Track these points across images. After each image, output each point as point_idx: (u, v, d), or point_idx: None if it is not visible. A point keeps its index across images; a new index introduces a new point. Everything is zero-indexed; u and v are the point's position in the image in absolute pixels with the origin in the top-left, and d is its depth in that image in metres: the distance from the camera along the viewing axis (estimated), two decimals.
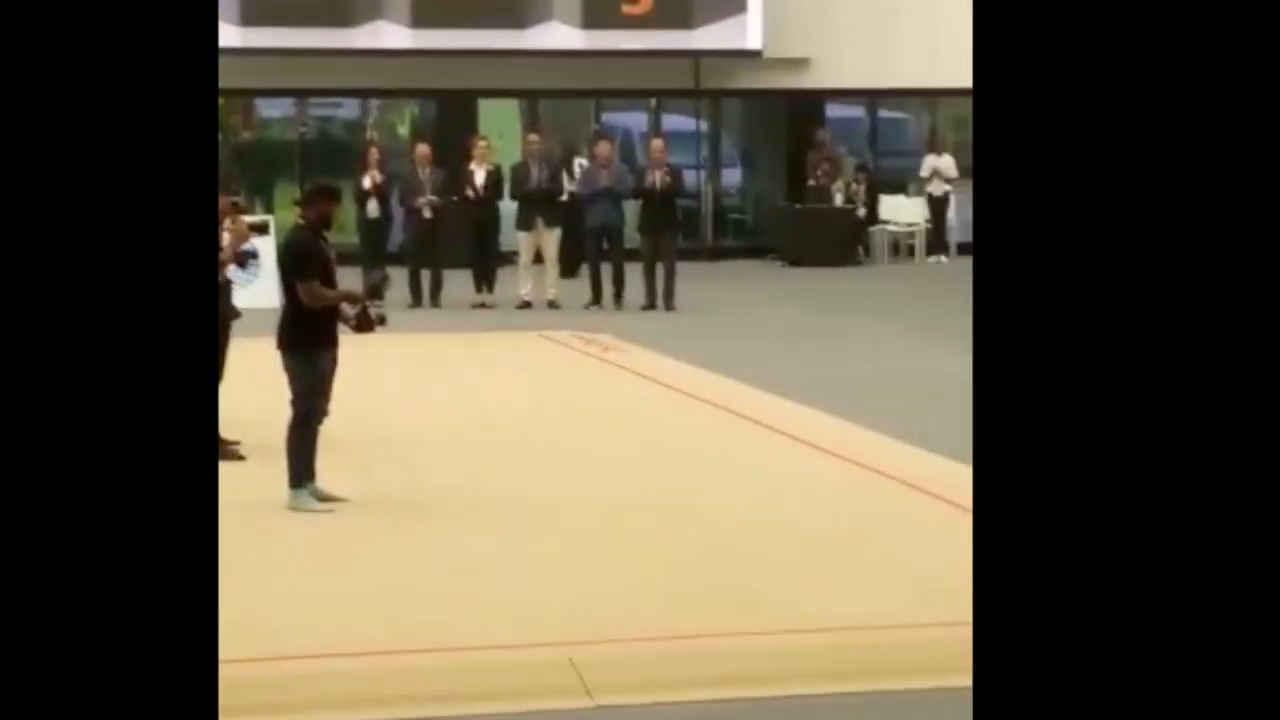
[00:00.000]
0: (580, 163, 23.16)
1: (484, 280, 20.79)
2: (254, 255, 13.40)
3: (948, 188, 26.62)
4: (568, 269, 21.97)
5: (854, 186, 26.53)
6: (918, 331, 18.39)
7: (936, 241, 26.67)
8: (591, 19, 25.41)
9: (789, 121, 27.52)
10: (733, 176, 28.50)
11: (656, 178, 20.66)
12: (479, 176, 20.89)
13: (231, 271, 12.33)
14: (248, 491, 10.38)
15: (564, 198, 21.47)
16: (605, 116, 27.76)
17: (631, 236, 21.14)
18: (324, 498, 10.14)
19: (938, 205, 26.70)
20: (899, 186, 27.49)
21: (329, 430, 10.29)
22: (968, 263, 25.94)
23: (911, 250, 26.76)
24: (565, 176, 22.25)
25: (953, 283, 23.94)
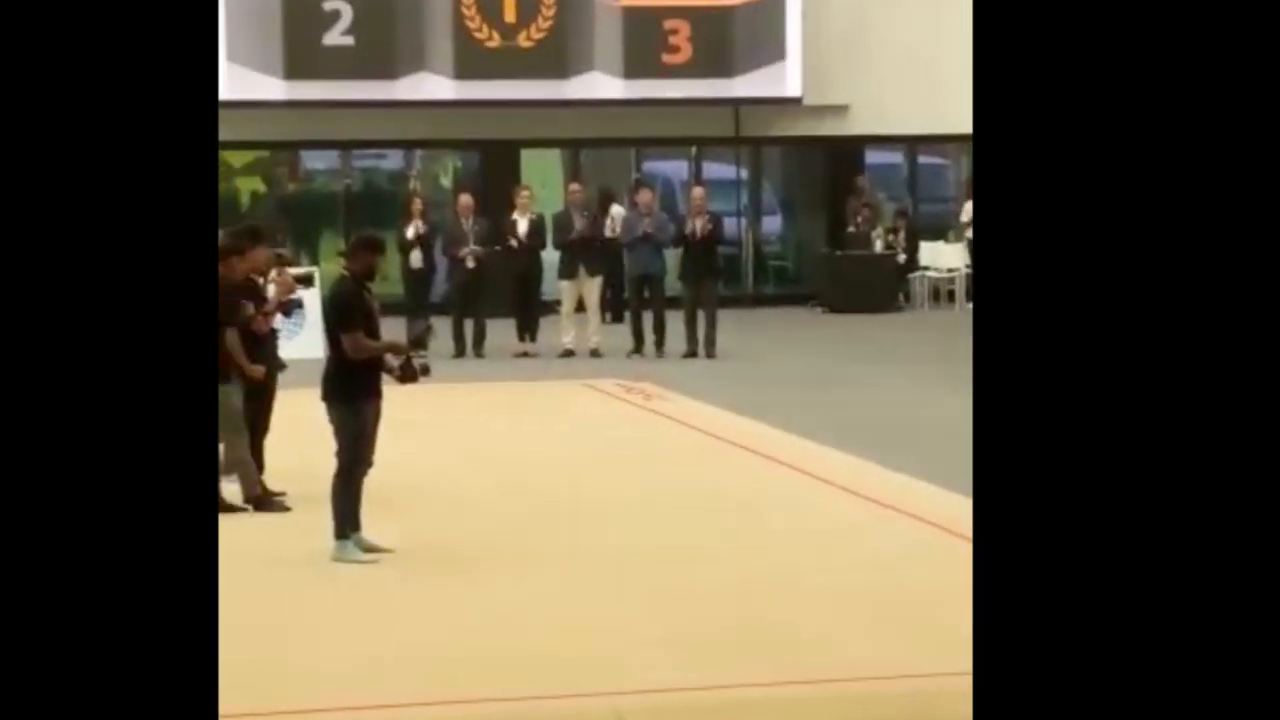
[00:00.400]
0: (616, 209, 23.23)
1: (527, 329, 20.92)
2: (299, 305, 13.52)
3: None
4: (612, 316, 22.08)
5: (893, 234, 26.61)
6: (956, 377, 18.40)
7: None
8: (632, 69, 25.58)
9: (829, 168, 27.63)
10: (773, 223, 28.61)
11: (697, 225, 20.77)
12: (522, 226, 21.04)
13: (277, 321, 12.48)
14: (293, 542, 10.50)
15: (608, 233, 21.58)
16: (646, 165, 27.92)
17: (673, 284, 21.25)
18: (368, 548, 10.23)
19: None
20: (939, 232, 27.55)
21: (373, 481, 10.38)
22: None
23: (952, 296, 26.81)
24: (608, 223, 22.36)
25: None
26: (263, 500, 11.66)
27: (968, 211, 26.92)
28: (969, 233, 26.76)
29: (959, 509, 11.24)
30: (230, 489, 11.57)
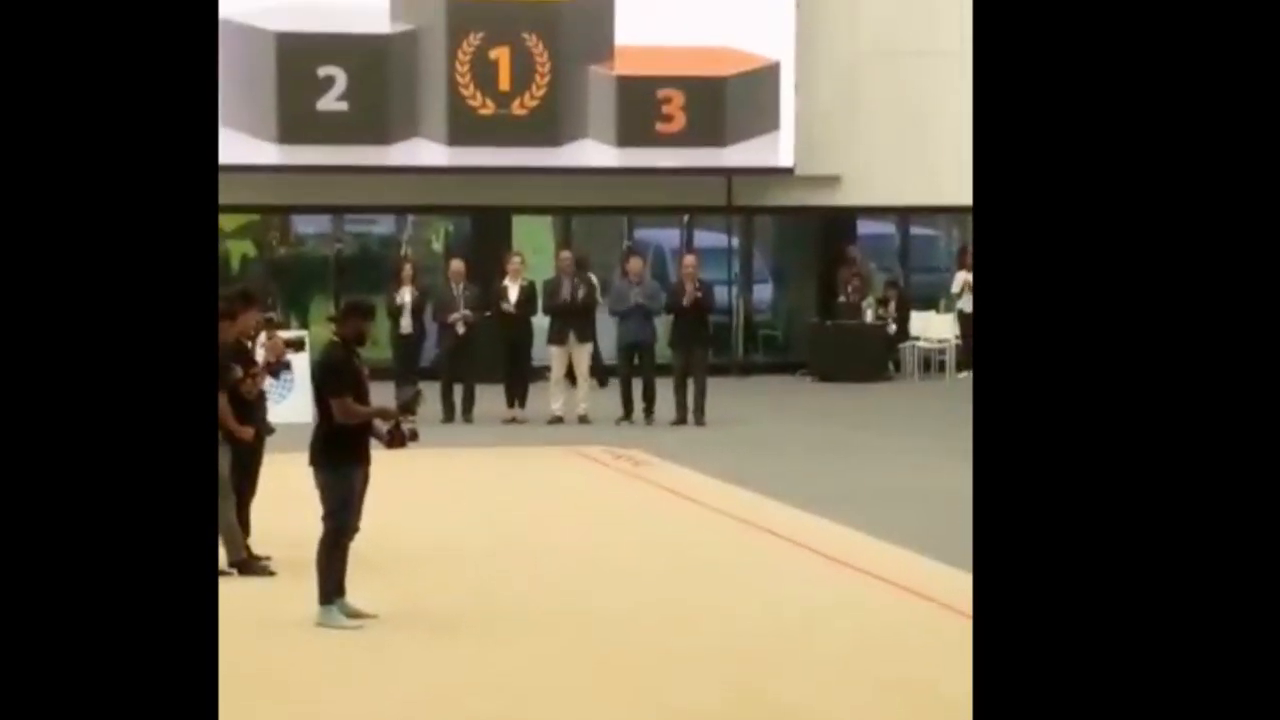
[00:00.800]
0: (590, 277, 23.07)
1: (516, 395, 20.91)
2: (287, 366, 13.52)
3: None
4: (599, 381, 22.08)
5: (884, 304, 26.65)
6: (946, 448, 18.40)
7: (967, 358, 26.73)
8: (625, 137, 25.68)
9: (820, 238, 27.71)
10: (764, 292, 28.65)
11: (688, 293, 20.81)
12: (512, 292, 21.07)
13: (265, 383, 12.46)
14: (277, 607, 10.45)
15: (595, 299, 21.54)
16: (638, 232, 27.97)
17: (663, 351, 21.27)
18: (353, 614, 10.19)
19: (968, 322, 26.78)
20: (930, 302, 27.60)
21: (359, 546, 10.35)
22: None
23: (942, 366, 26.84)
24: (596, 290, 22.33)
25: None
26: (247, 564, 11.61)
27: (958, 282, 26.99)
28: (959, 303, 26.81)
29: (951, 582, 11.22)
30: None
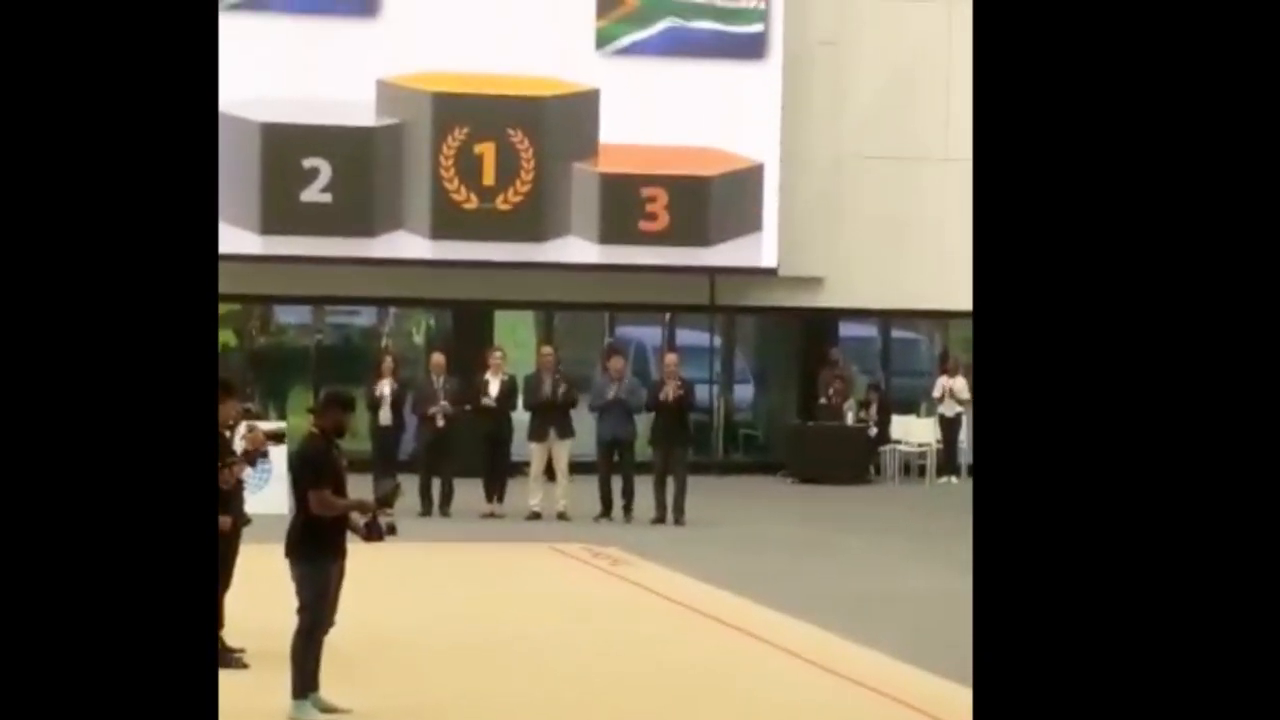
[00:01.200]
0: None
1: (495, 490, 20.81)
2: (264, 455, 13.42)
3: (960, 409, 26.68)
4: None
5: (865, 407, 26.62)
6: (927, 552, 18.34)
7: (948, 463, 26.69)
8: (608, 234, 25.72)
9: (802, 339, 27.71)
10: (745, 392, 28.63)
11: (669, 391, 20.77)
12: (493, 386, 21.02)
13: (244, 473, 12.36)
14: (251, 700, 10.32)
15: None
16: (620, 329, 27.96)
17: (643, 449, 21.19)
18: (326, 708, 10.08)
19: (949, 426, 26.75)
20: (911, 406, 27.58)
21: (333, 639, 10.25)
22: None
23: (923, 470, 26.78)
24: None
25: (962, 504, 23.90)
26: (221, 656, 11.46)
27: (940, 386, 26.98)
28: (940, 408, 26.80)
29: (928, 688, 11.13)
30: None
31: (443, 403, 20.71)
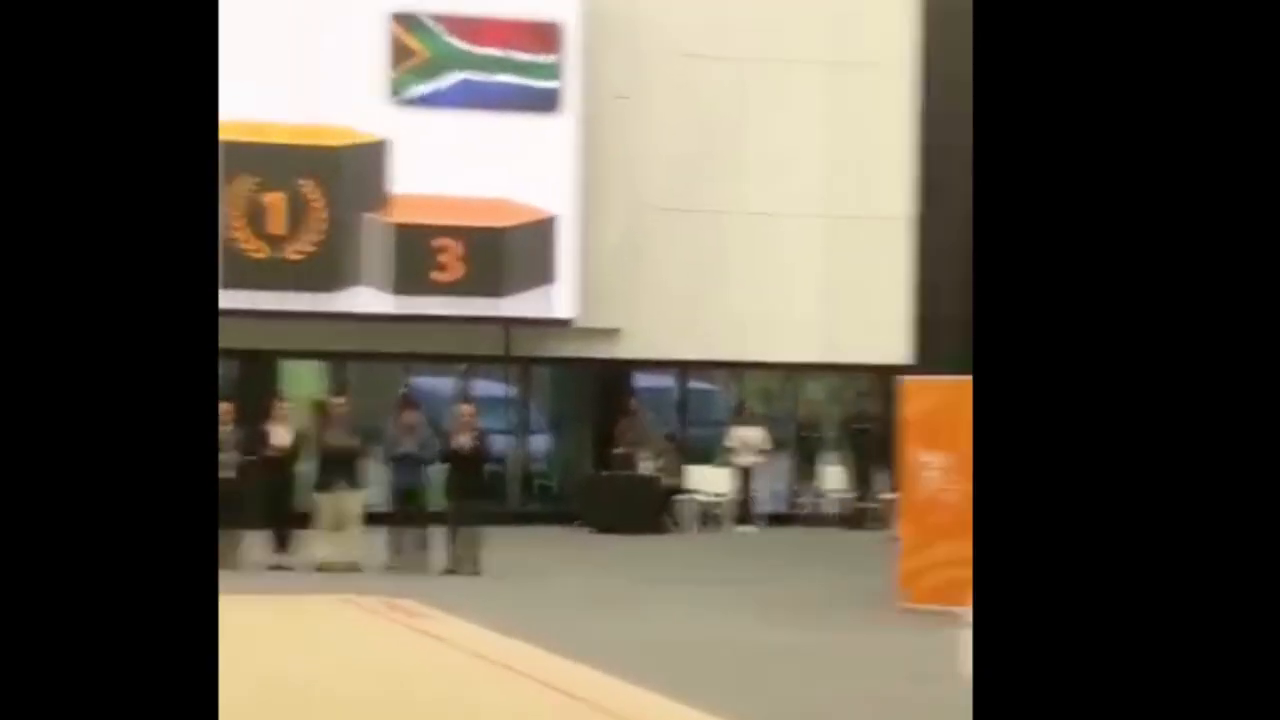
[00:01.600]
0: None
1: (282, 541, 20.36)
2: None
3: (755, 459, 26.73)
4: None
5: (660, 458, 26.54)
6: (714, 598, 18.26)
7: (743, 512, 26.70)
8: (402, 285, 25.44)
9: (599, 389, 27.60)
10: (541, 442, 28.43)
11: (464, 441, 20.50)
12: (280, 435, 20.59)
13: None
14: None
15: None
16: (415, 380, 27.63)
17: (437, 500, 20.88)
18: None
19: (744, 476, 26.78)
20: (707, 457, 27.56)
21: None
22: (776, 533, 25.99)
23: (719, 520, 26.74)
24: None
25: (756, 551, 23.97)
26: None
27: (734, 437, 27.01)
28: (734, 458, 26.81)
29: None
30: None
31: (229, 452, 20.19)
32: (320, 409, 23.39)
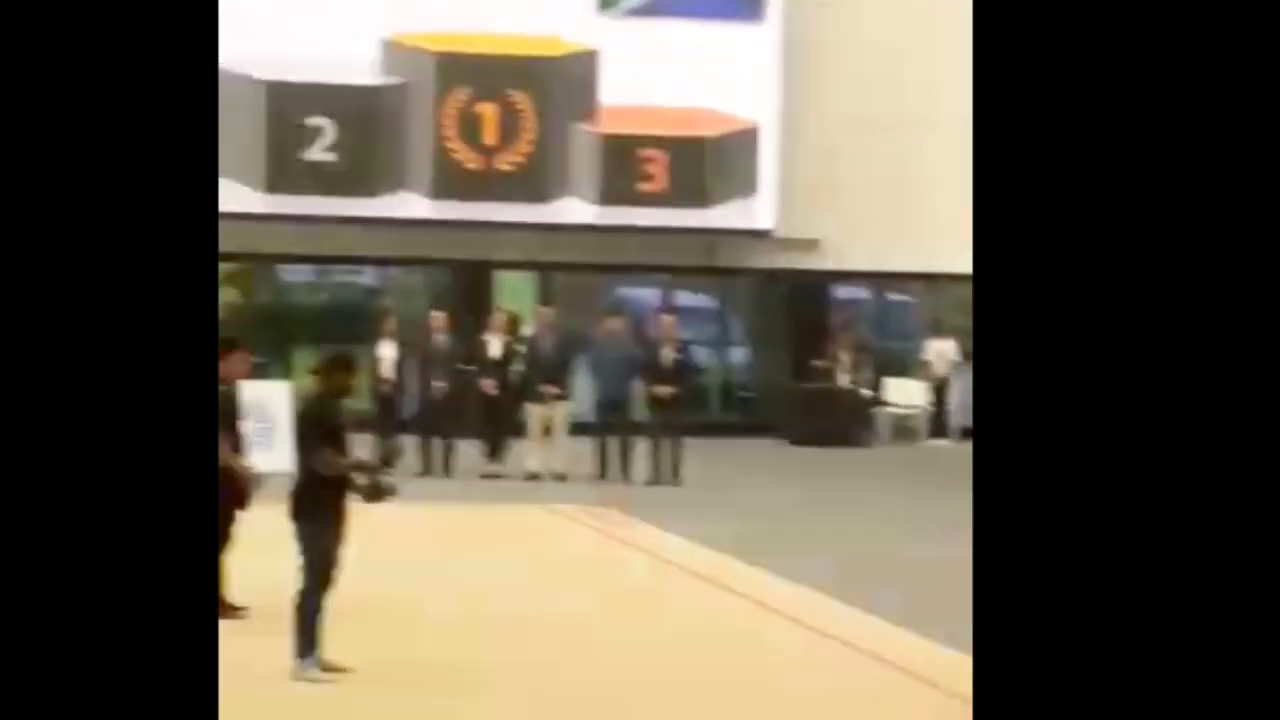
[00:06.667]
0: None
1: (494, 450, 21.00)
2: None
3: (951, 372, 26.89)
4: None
5: (858, 371, 26.77)
6: (920, 516, 18.48)
7: (938, 425, 26.92)
8: (608, 196, 25.85)
9: (796, 301, 27.83)
10: (741, 354, 28.79)
11: (666, 354, 20.95)
12: (494, 347, 21.18)
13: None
14: (253, 658, 10.52)
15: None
16: (618, 291, 28.10)
17: (640, 411, 21.36)
18: (328, 667, 10.23)
19: (939, 389, 26.98)
20: (901, 369, 27.76)
21: (336, 600, 10.43)
22: (968, 448, 26.00)
23: (914, 432, 26.98)
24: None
25: (953, 467, 24.05)
26: (223, 612, 11.69)
27: (930, 349, 27.18)
28: (930, 370, 27.00)
29: (930, 655, 11.28)
30: None
31: (437, 382, 20.60)
32: (529, 319, 23.99)
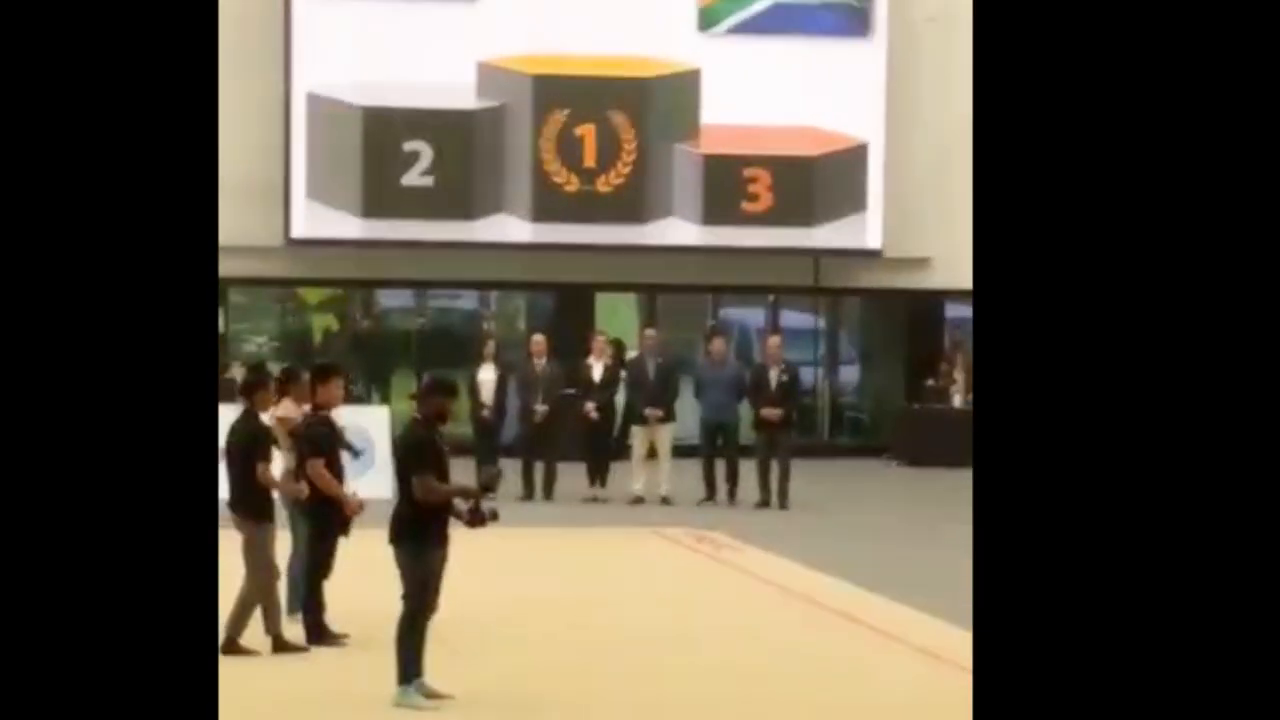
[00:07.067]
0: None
1: (597, 474, 20.71)
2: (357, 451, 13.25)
3: None
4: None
5: (972, 390, 26.33)
6: None
7: None
8: (711, 216, 25.55)
9: (909, 320, 27.43)
10: (850, 374, 28.40)
11: (773, 374, 20.60)
12: (596, 370, 20.92)
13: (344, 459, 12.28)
14: (355, 685, 10.30)
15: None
16: (722, 312, 27.80)
17: (746, 433, 21.02)
18: (430, 694, 10.05)
19: None
20: None
21: (437, 625, 10.20)
22: None
23: None
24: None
25: None
26: (325, 640, 11.48)
27: None
28: None
29: None
30: (295, 629, 11.46)
31: (539, 406, 20.45)
32: (632, 341, 23.73)
